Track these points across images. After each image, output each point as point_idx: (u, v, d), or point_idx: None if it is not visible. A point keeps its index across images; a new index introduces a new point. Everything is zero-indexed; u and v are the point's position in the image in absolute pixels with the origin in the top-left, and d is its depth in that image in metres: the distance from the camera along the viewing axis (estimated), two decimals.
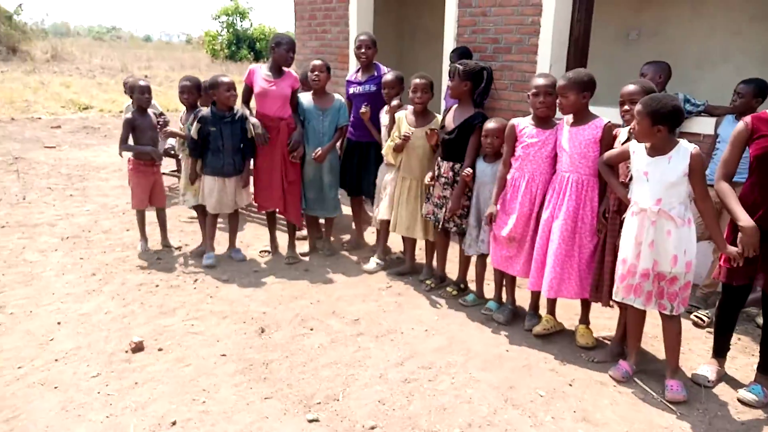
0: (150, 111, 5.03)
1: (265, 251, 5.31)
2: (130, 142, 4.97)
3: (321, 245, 5.39)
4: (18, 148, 9.37)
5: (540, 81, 3.73)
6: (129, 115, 4.99)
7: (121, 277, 4.64)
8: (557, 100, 3.67)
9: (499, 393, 3.25)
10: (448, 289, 4.52)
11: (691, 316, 4.21)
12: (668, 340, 3.34)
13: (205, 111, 4.72)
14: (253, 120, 4.80)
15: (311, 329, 3.92)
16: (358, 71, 5.29)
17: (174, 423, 2.91)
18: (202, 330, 3.86)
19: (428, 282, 4.65)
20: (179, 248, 5.32)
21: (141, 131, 4.93)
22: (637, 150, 3.23)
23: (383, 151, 4.77)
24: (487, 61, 5.88)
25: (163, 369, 3.39)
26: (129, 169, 5.09)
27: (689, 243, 3.14)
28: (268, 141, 4.81)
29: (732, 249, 3.08)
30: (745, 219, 3.02)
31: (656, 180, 3.12)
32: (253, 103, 5.02)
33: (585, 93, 3.56)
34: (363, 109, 4.92)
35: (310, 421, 2.96)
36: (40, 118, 12.39)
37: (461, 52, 5.73)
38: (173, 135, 5.05)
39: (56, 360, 3.44)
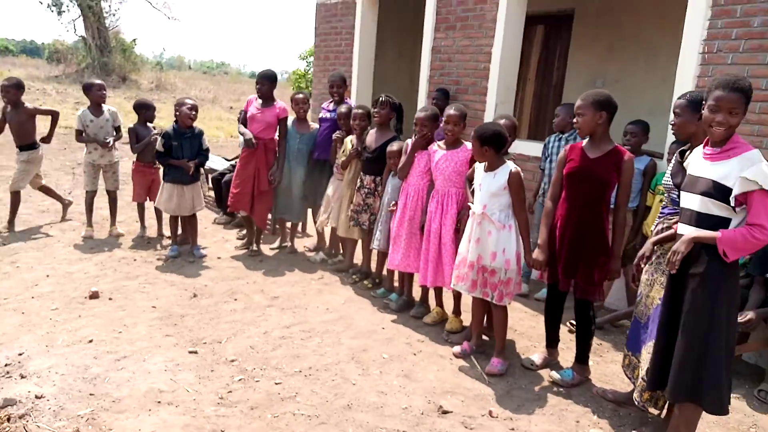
0: (149, 125, 6.24)
1: (243, 247, 6.30)
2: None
3: (286, 245, 6.34)
4: None
5: (419, 114, 4.58)
6: (132, 125, 6.19)
7: (110, 252, 5.77)
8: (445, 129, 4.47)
9: (351, 353, 4.02)
10: (365, 282, 5.32)
11: (567, 323, 4.80)
12: (495, 324, 4.01)
13: (168, 128, 5.78)
14: (246, 131, 5.83)
15: (235, 299, 4.84)
16: (331, 102, 6.28)
17: (91, 341, 3.90)
18: (149, 291, 4.87)
19: (354, 276, 5.47)
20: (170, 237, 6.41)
21: (141, 139, 6.11)
22: (478, 168, 4.00)
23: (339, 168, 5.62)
24: (453, 101, 6.74)
25: (104, 311, 4.41)
26: (132, 169, 6.28)
27: (508, 244, 3.83)
28: (255, 146, 5.77)
29: (531, 257, 3.79)
30: (540, 243, 3.74)
31: (485, 190, 3.88)
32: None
33: (463, 123, 4.37)
34: (334, 135, 5.80)
35: (190, 352, 3.86)
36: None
37: (445, 93, 6.66)
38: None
39: (32, 297, 4.54)
